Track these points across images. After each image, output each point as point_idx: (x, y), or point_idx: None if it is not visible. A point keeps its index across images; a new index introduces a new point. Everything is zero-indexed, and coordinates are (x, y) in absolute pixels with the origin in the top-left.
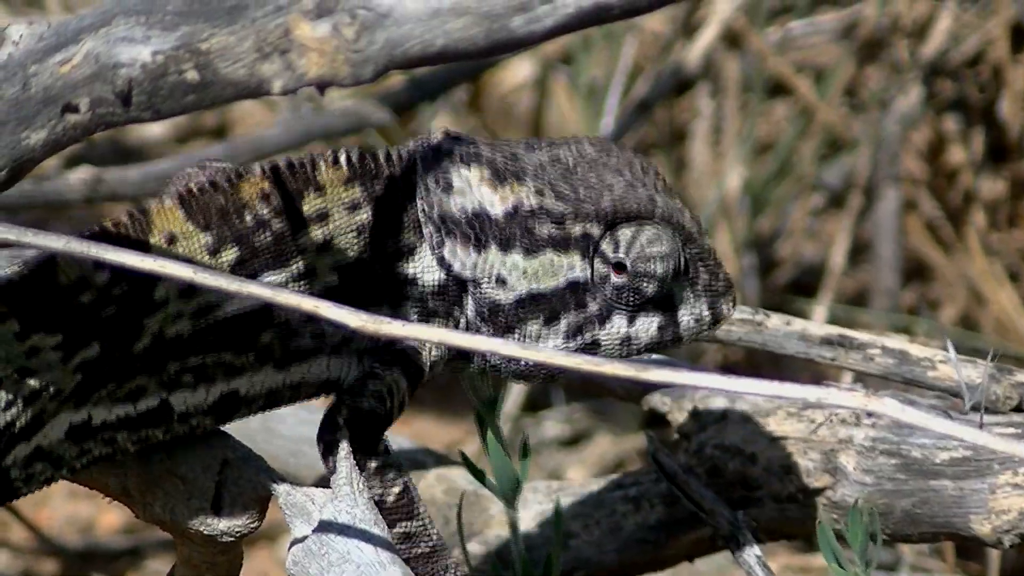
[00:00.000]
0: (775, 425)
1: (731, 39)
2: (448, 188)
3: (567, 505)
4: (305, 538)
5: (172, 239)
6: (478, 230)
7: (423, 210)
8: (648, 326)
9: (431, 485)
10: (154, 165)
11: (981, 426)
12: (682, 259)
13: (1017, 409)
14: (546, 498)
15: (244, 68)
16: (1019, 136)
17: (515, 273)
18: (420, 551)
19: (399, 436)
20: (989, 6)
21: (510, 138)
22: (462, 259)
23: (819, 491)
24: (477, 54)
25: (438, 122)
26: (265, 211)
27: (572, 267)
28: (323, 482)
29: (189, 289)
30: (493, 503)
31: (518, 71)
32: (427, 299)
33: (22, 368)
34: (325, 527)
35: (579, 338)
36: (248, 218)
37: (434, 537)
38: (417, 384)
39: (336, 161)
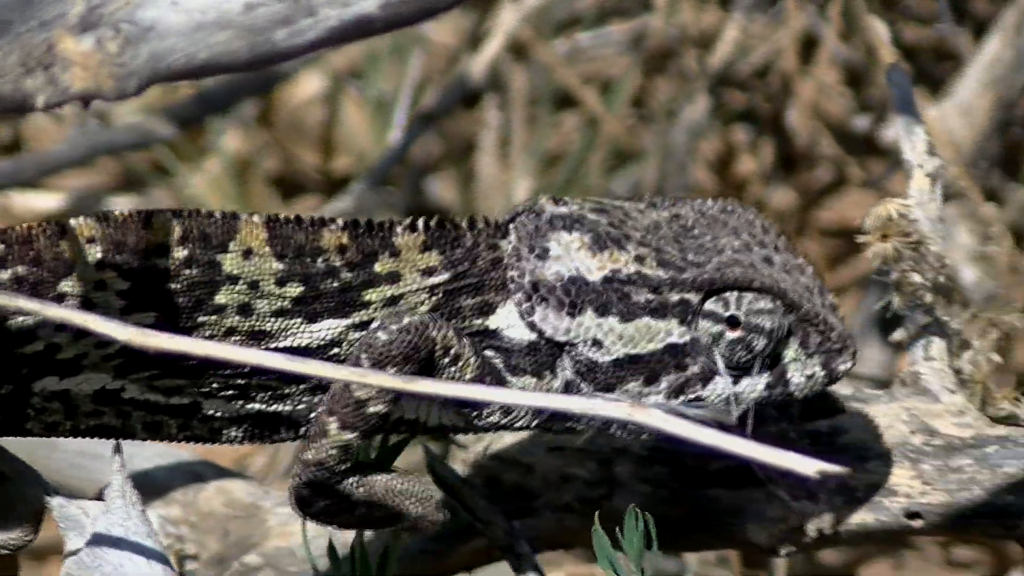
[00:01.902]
0: (552, 436)
1: (518, 51)
2: (544, 255)
3: None
4: (79, 551)
5: (248, 253)
6: (574, 295)
7: (513, 278)
8: (755, 385)
9: (211, 497)
10: None
11: (748, 437)
12: (784, 323)
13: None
14: None
15: (8, 83)
16: (808, 146)
17: (611, 336)
18: (340, 468)
19: (182, 451)
20: (778, 17)
21: (639, 195)
22: (554, 324)
23: (596, 500)
24: (240, 67)
25: (228, 138)
26: (338, 262)
27: (670, 332)
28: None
29: (248, 306)
30: (272, 515)
31: (308, 85)
32: (512, 353)
33: (86, 297)
34: (98, 540)
35: (681, 397)
36: (320, 263)
37: (351, 463)
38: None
39: (414, 228)
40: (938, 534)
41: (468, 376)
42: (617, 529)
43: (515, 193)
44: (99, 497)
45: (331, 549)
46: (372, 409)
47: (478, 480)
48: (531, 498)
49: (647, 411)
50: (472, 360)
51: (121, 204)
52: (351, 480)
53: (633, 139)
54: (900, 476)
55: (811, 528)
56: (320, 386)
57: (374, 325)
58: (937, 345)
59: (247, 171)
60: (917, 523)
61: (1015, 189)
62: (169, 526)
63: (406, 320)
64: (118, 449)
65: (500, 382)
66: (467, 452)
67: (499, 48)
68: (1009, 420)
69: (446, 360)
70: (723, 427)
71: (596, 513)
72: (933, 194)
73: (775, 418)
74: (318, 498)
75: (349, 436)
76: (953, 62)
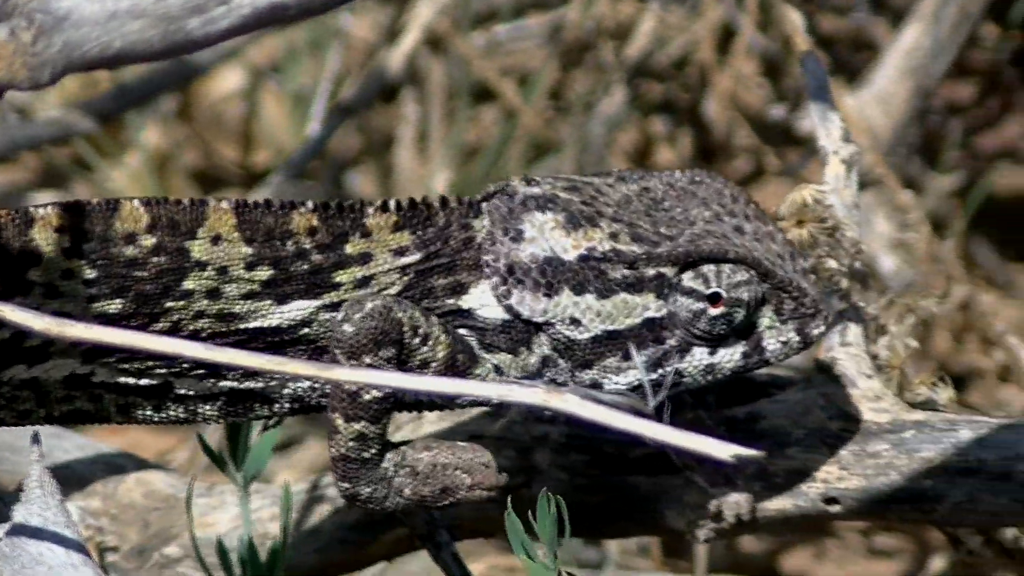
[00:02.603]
0: (472, 424)
1: (436, 44)
2: (518, 237)
3: (266, 507)
4: None
5: (217, 239)
6: (550, 276)
7: (488, 262)
8: (732, 355)
9: (131, 489)
10: None
11: (662, 421)
12: (760, 292)
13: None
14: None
15: None
16: (726, 136)
17: (589, 314)
18: (365, 455)
19: (103, 443)
20: (695, 8)
21: (607, 170)
22: (532, 306)
23: (515, 488)
24: (155, 56)
25: (148, 132)
26: (308, 244)
27: (647, 306)
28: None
29: (216, 290)
30: (192, 506)
31: (227, 80)
32: (486, 332)
33: (51, 285)
34: (17, 530)
35: (659, 370)
36: (290, 245)
37: (380, 446)
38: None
39: (385, 208)
40: (856, 519)
41: (441, 354)
42: (530, 514)
43: (434, 186)
44: (20, 490)
45: (220, 546)
46: (367, 397)
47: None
48: None
49: (563, 397)
50: (443, 338)
51: (43, 199)
52: (387, 465)
53: (551, 131)
54: (817, 462)
55: (729, 514)
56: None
57: (339, 317)
58: (854, 331)
59: (167, 165)
60: (835, 508)
61: (934, 177)
62: (89, 518)
63: (368, 306)
64: (36, 440)
65: (473, 360)
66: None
67: (416, 41)
68: (926, 405)
69: (416, 340)
70: (638, 413)
71: (509, 499)
72: (848, 180)
73: (691, 404)
74: (359, 488)
75: (357, 426)
76: (871, 51)
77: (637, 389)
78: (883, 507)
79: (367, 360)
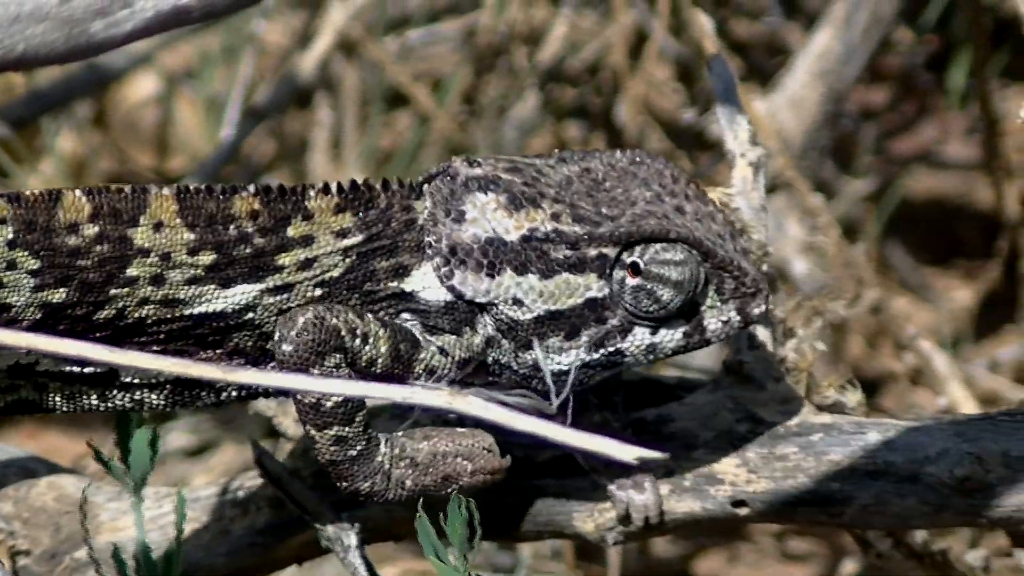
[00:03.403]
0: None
1: (349, 49)
2: (460, 218)
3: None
4: None
5: (159, 226)
6: (492, 256)
7: (430, 243)
8: (672, 335)
9: (42, 493)
10: None
11: (565, 422)
12: (700, 272)
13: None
14: (155, 504)
15: None
16: (638, 141)
17: (531, 294)
18: (351, 454)
19: (16, 448)
20: (607, 13)
21: (550, 152)
22: (474, 286)
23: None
24: (58, 59)
25: (63, 138)
26: (250, 227)
27: (589, 287)
28: None
29: (160, 276)
30: (103, 510)
31: (142, 86)
32: (429, 314)
33: None
34: None
35: (601, 350)
36: (232, 229)
37: (364, 441)
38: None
39: (327, 190)
40: (764, 521)
41: (383, 348)
42: (440, 515)
43: None
44: None
45: (115, 551)
46: (329, 404)
47: (306, 472)
48: None
49: (467, 399)
50: (382, 333)
51: None
52: (381, 459)
53: (464, 136)
54: (726, 465)
55: (637, 517)
56: (237, 350)
57: (275, 338)
58: (762, 333)
59: (82, 172)
60: (743, 511)
61: (848, 181)
62: (1, 522)
63: (300, 321)
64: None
65: (416, 346)
66: (295, 444)
67: (328, 46)
68: (834, 408)
69: (357, 342)
70: (542, 415)
71: (420, 501)
72: (756, 183)
73: (598, 406)
74: (358, 485)
75: (331, 432)
76: (784, 56)
77: (563, 376)
78: (791, 510)
79: (316, 372)
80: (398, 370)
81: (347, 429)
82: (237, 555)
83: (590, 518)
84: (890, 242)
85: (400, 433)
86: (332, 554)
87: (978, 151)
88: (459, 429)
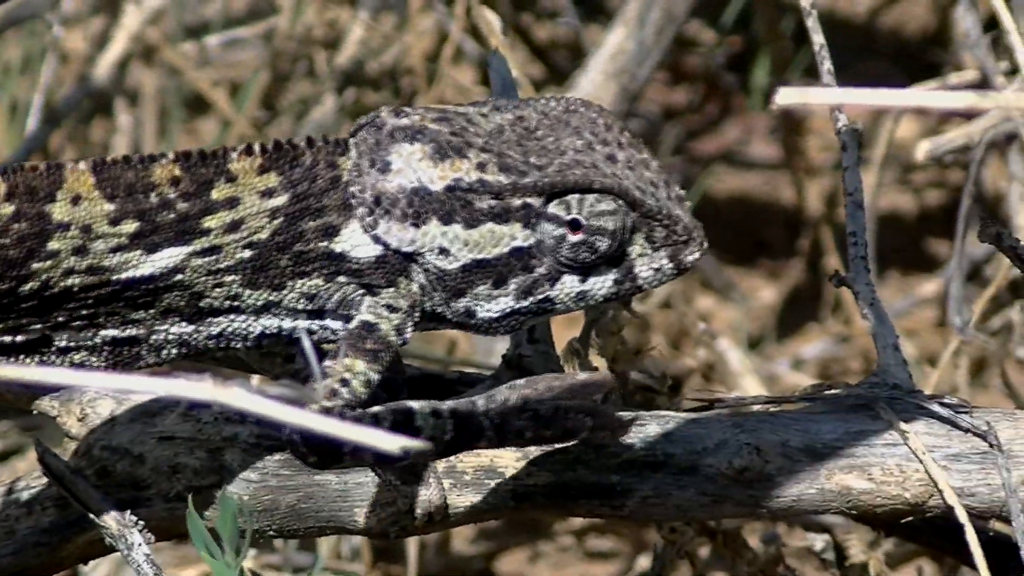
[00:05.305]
0: (163, 425)
1: (148, 54)
2: (385, 168)
3: None
4: None
5: (77, 200)
6: (417, 206)
7: (355, 193)
8: (603, 282)
9: None
10: None
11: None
12: (629, 220)
13: None
14: None
15: None
16: None
17: (457, 244)
18: (447, 438)
19: None
20: (405, 16)
21: (485, 101)
22: (399, 235)
23: (206, 489)
24: None
25: None
26: (172, 193)
27: (514, 236)
28: None
29: (83, 247)
30: None
31: None
32: (363, 273)
33: None
34: None
35: (530, 298)
36: (153, 197)
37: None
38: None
39: (250, 151)
40: (546, 514)
41: (362, 367)
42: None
43: None
44: None
45: None
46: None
47: (89, 471)
48: (142, 488)
49: (231, 392)
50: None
51: None
52: (479, 421)
53: (265, 139)
54: (507, 458)
55: (420, 511)
56: (171, 309)
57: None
58: (542, 327)
59: None
60: (525, 504)
61: None
62: None
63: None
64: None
65: (357, 308)
66: (79, 443)
67: (123, 51)
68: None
69: (346, 390)
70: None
71: (191, 497)
72: None
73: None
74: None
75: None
76: (583, 56)
77: (509, 317)
78: (572, 502)
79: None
80: (387, 361)
81: (425, 429)
82: (22, 555)
83: (372, 513)
84: None
85: (523, 382)
86: (116, 554)
87: (780, 151)
88: (580, 376)
